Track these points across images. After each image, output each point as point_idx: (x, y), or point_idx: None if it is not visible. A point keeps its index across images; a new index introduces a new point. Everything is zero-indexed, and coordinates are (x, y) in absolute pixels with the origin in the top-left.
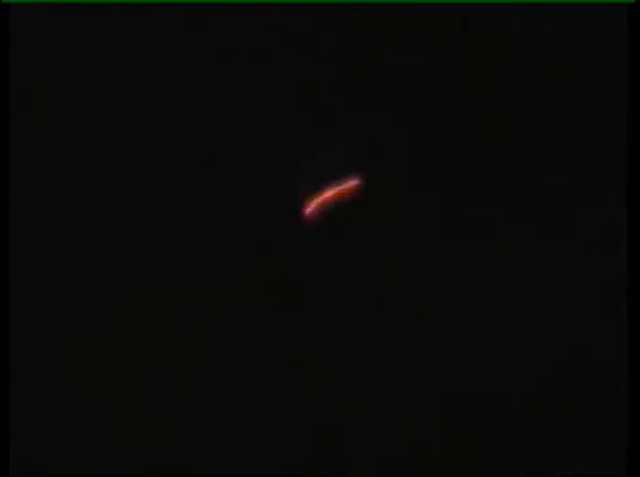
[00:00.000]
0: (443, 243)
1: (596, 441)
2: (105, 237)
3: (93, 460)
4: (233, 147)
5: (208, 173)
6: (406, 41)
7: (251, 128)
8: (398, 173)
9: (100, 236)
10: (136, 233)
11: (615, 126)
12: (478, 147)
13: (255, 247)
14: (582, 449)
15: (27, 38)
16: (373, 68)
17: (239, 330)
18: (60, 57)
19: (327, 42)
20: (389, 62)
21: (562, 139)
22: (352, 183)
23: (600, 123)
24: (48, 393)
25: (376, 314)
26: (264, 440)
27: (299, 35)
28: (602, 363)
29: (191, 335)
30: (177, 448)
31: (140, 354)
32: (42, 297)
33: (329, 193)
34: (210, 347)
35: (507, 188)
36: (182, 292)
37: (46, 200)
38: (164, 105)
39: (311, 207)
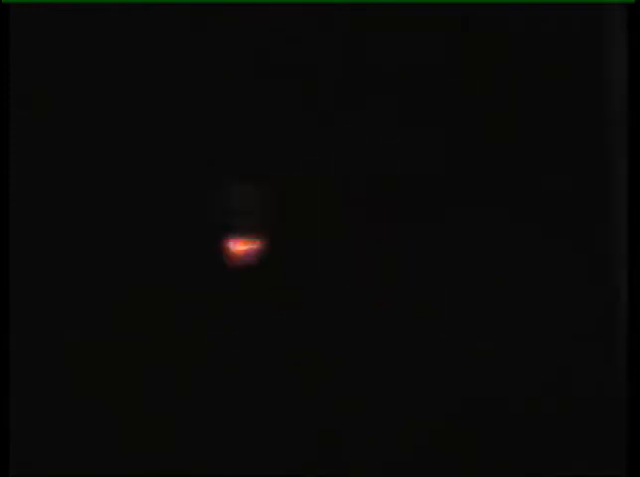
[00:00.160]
0: (443, 244)
1: (596, 441)
2: (105, 236)
3: (93, 460)
4: (232, 147)
5: (208, 173)
6: (406, 41)
7: (251, 128)
8: (397, 173)
9: (100, 235)
10: (136, 233)
11: (615, 126)
12: (478, 147)
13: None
14: (582, 449)
15: (27, 38)
16: (373, 68)
17: (239, 330)
18: (60, 57)
19: (327, 42)
20: (389, 62)
21: (563, 139)
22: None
23: (600, 123)
24: (48, 393)
25: (376, 314)
26: (264, 440)
27: (299, 35)
28: (602, 362)
29: (191, 335)
30: (177, 448)
31: (140, 354)
32: (42, 297)
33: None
34: (210, 347)
35: (507, 188)
36: (182, 292)
37: (46, 200)
38: (164, 105)
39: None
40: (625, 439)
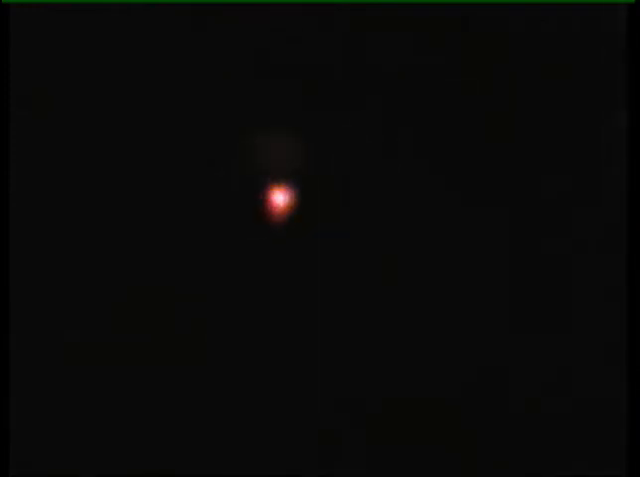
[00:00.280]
0: (443, 244)
1: (596, 441)
2: (105, 236)
3: (93, 460)
4: (233, 147)
5: (208, 173)
6: (406, 41)
7: (251, 128)
8: (397, 172)
9: (100, 235)
10: (136, 232)
11: (615, 126)
12: (478, 147)
13: (255, 247)
14: (582, 449)
15: (27, 38)
16: (373, 68)
17: (239, 330)
18: (60, 57)
19: (327, 42)
20: (389, 62)
21: (563, 139)
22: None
23: (600, 123)
24: (48, 393)
25: (376, 314)
26: (264, 440)
27: (299, 35)
28: (602, 362)
29: (191, 335)
30: (177, 448)
31: (140, 354)
32: (42, 297)
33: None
34: (210, 347)
35: (507, 188)
36: (182, 292)
37: (46, 200)
38: (164, 105)
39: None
40: (625, 439)
